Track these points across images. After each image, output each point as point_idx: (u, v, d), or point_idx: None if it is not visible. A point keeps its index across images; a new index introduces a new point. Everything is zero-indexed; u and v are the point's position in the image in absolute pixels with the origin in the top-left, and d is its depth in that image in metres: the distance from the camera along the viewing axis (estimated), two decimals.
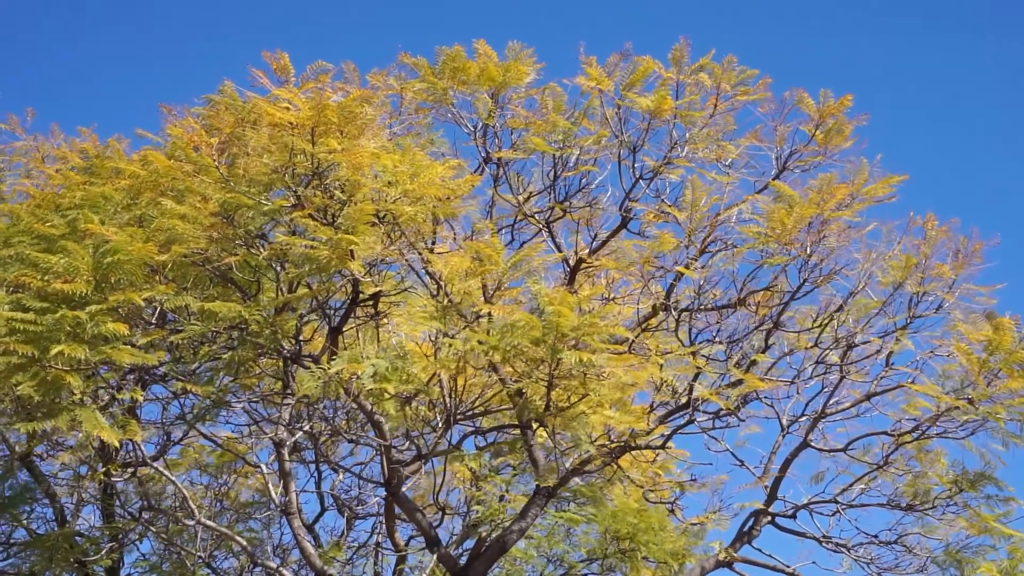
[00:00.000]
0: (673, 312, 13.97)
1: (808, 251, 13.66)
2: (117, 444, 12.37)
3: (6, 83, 44.36)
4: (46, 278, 12.11)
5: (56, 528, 16.67)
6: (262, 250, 12.76)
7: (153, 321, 13.08)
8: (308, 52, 13.05)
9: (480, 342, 11.90)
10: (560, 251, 14.74)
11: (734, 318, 14.25)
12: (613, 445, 13.44)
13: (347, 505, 18.98)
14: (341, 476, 18.98)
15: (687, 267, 13.77)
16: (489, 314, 12.38)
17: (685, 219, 13.87)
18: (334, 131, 12.21)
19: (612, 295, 14.99)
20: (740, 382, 13.45)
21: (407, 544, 18.10)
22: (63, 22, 50.09)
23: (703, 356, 13.70)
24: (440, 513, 16.59)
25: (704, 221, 13.95)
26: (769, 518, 15.48)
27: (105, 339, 11.91)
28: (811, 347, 14.67)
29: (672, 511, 15.14)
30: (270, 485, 16.03)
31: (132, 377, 13.36)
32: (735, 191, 14.41)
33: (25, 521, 17.11)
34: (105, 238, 12.15)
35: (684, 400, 13.67)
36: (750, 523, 15.38)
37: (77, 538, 16.47)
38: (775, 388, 14.72)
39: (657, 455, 15.30)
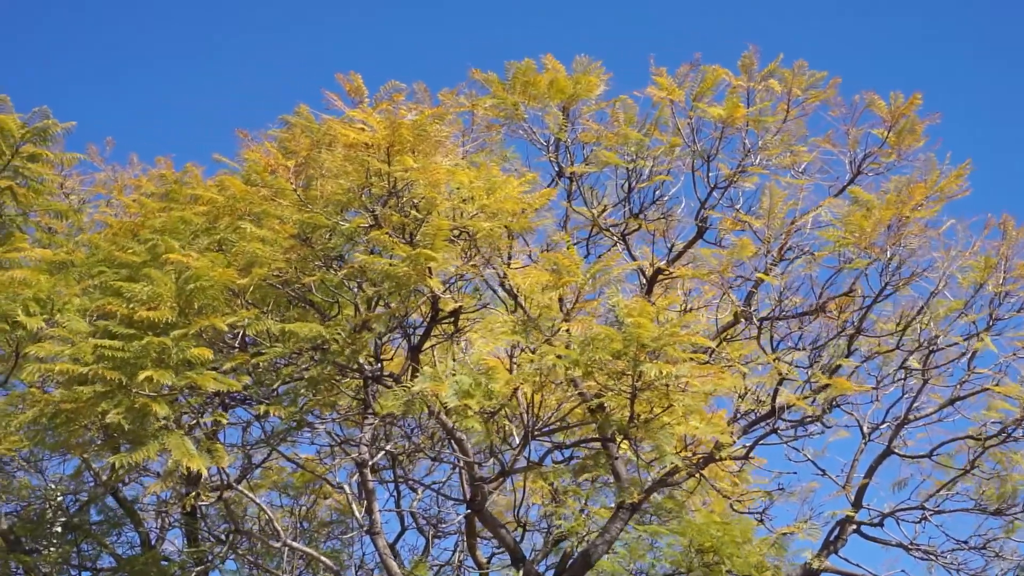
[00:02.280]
0: (754, 320, 13.87)
1: (888, 254, 13.52)
2: (205, 471, 12.45)
3: (85, 115, 45.11)
4: (131, 306, 12.25)
5: (142, 553, 16.79)
6: (340, 270, 12.83)
7: (235, 345, 13.18)
8: (376, 75, 13.13)
9: (560, 357, 11.88)
10: (635, 262, 14.69)
11: (816, 324, 14.13)
12: (696, 457, 13.35)
13: (430, 523, 19.01)
14: (420, 495, 19.00)
15: (766, 274, 13.67)
16: (568, 330, 12.35)
17: (762, 226, 13.77)
18: (408, 150, 12.26)
19: (689, 306, 14.92)
20: (825, 387, 13.32)
21: (489, 561, 18.09)
22: (140, 54, 50.88)
23: (785, 363, 13.58)
24: (521, 529, 16.56)
25: (781, 228, 13.84)
26: (855, 526, 15.33)
27: (189, 364, 12.03)
28: (891, 351, 14.52)
29: (761, 521, 14.99)
30: (352, 505, 16.07)
31: (215, 401, 13.45)
32: (810, 196, 14.32)
33: (112, 546, 17.28)
34: (186, 264, 12.27)
35: (767, 409, 13.55)
36: (836, 532, 15.23)
37: (163, 562, 16.58)
38: (857, 394, 14.60)
39: (742, 465, 15.19)
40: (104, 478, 16.22)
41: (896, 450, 15.21)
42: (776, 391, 13.36)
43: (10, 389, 14.50)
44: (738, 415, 13.78)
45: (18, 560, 15.12)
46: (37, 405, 12.72)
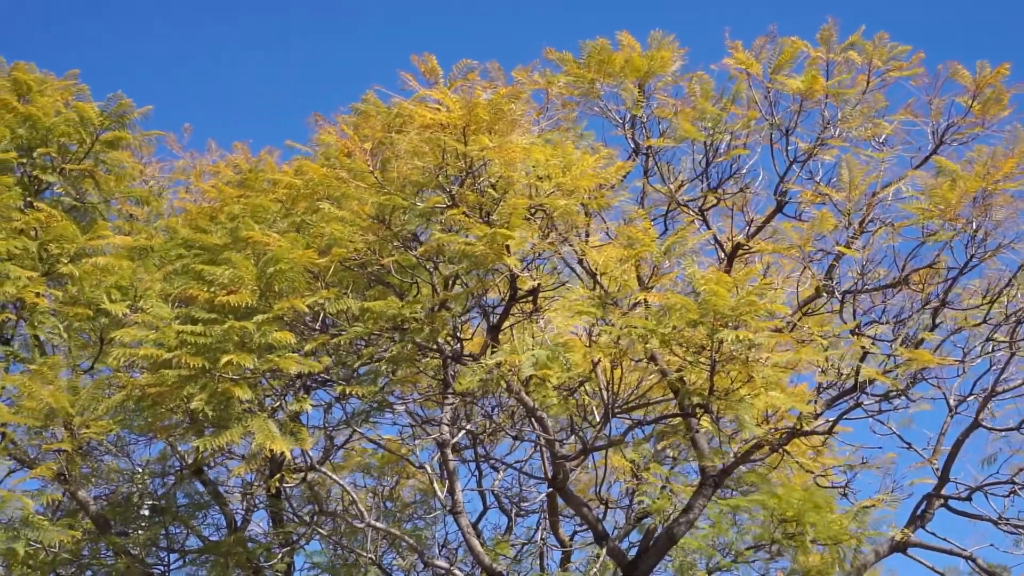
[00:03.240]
0: (836, 293, 13.71)
1: (974, 226, 13.29)
2: (288, 454, 12.57)
3: (161, 102, 45.69)
4: (212, 290, 12.38)
5: (228, 534, 16.99)
6: (417, 250, 12.87)
7: (316, 327, 13.27)
8: (449, 55, 13.14)
9: (636, 327, 11.82)
10: (715, 237, 14.57)
11: (899, 297, 13.93)
12: (779, 432, 13.24)
13: (512, 502, 19.05)
14: (502, 474, 19.04)
15: (847, 247, 13.50)
16: (645, 301, 12.30)
17: (843, 199, 13.59)
18: (484, 129, 12.24)
19: (768, 279, 14.78)
20: (908, 361, 13.13)
21: (571, 539, 18.11)
22: (218, 45, 51.40)
23: (869, 337, 13.40)
24: (603, 507, 16.54)
25: (862, 200, 13.65)
26: (942, 501, 15.14)
27: (271, 347, 12.14)
28: (978, 324, 14.28)
29: (844, 494, 14.86)
30: (434, 484, 16.14)
31: (297, 384, 13.56)
32: (892, 168, 14.11)
33: (198, 528, 17.50)
34: (267, 246, 12.37)
35: (851, 383, 13.39)
36: (923, 507, 15.06)
37: (249, 543, 16.76)
38: (942, 368, 14.38)
39: (825, 440, 15.05)
40: (189, 461, 16.42)
41: (983, 423, 14.97)
42: (859, 365, 13.19)
43: (96, 375, 14.74)
44: (821, 389, 13.63)
45: (109, 542, 15.35)
46: (124, 390, 12.93)
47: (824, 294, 13.98)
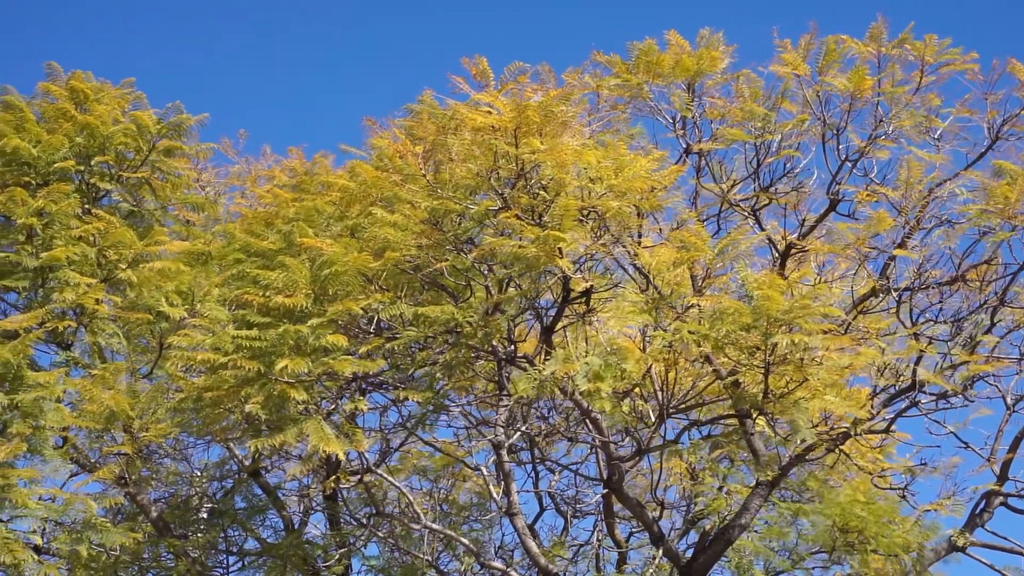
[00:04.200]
0: (893, 292, 13.61)
1: None
2: (343, 456, 12.65)
3: (219, 107, 46.14)
4: (267, 294, 12.50)
5: (286, 537, 17.11)
6: (470, 253, 12.91)
7: (370, 330, 13.35)
8: (498, 59, 13.17)
9: (691, 332, 11.81)
10: (768, 237, 14.52)
11: (956, 296, 13.81)
12: (834, 432, 13.17)
13: (568, 503, 19.06)
14: (558, 475, 19.06)
15: (903, 246, 13.41)
16: (698, 304, 12.28)
17: (899, 198, 13.51)
18: (535, 131, 12.27)
19: (822, 279, 14.70)
20: (965, 363, 13.03)
21: (628, 541, 18.08)
22: (272, 52, 51.84)
23: (925, 336, 13.31)
24: (659, 509, 16.51)
25: (918, 198, 13.56)
26: (1001, 499, 15.00)
27: (326, 351, 12.23)
28: None
29: (904, 497, 14.73)
30: (490, 487, 16.18)
31: (352, 386, 13.65)
32: (946, 165, 14.01)
33: (256, 531, 17.64)
34: (321, 251, 12.46)
35: (907, 383, 13.30)
36: (982, 506, 14.92)
37: (306, 545, 16.87)
38: (1000, 368, 14.25)
39: (883, 439, 14.94)
40: (247, 464, 16.56)
41: None
42: (916, 364, 13.10)
43: (155, 379, 14.92)
44: (877, 389, 13.54)
45: (169, 545, 15.52)
46: (182, 393, 13.08)
47: (880, 293, 13.89)
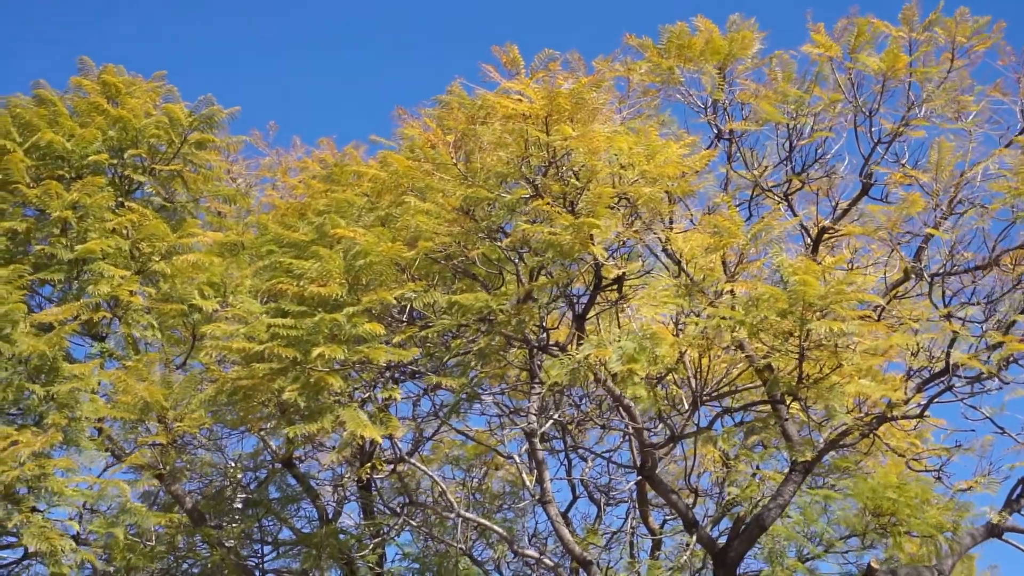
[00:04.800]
0: (925, 276, 13.55)
1: None
2: (379, 441, 12.71)
3: (247, 100, 46.34)
4: (301, 284, 12.56)
5: (320, 527, 17.18)
6: (502, 242, 12.93)
7: (403, 319, 13.40)
8: (526, 49, 13.20)
9: (725, 318, 11.80)
10: (801, 223, 14.47)
11: (990, 279, 13.72)
12: (869, 417, 13.12)
13: (601, 491, 19.06)
14: (591, 463, 19.06)
15: (936, 228, 13.34)
16: (732, 291, 12.27)
17: (930, 180, 13.44)
18: (567, 118, 12.27)
19: (856, 264, 14.65)
20: (1000, 345, 12.94)
21: (662, 528, 18.06)
22: (301, 41, 51.99)
23: (959, 319, 13.24)
24: (693, 496, 16.48)
25: (950, 181, 13.49)
26: None
27: (361, 339, 12.28)
28: None
29: (939, 478, 14.66)
30: (523, 475, 16.20)
31: (386, 375, 13.68)
32: (979, 147, 13.92)
33: (291, 521, 17.71)
34: (354, 240, 12.50)
35: (941, 366, 13.23)
36: (1018, 491, 14.82)
37: (340, 535, 16.94)
38: None
39: (917, 424, 14.87)
40: (280, 454, 16.63)
41: None
42: (950, 348, 13.03)
43: (189, 370, 15.01)
44: (911, 373, 13.48)
45: (204, 534, 15.61)
46: (216, 383, 13.15)
47: (913, 277, 13.83)
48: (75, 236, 14.87)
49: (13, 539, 14.18)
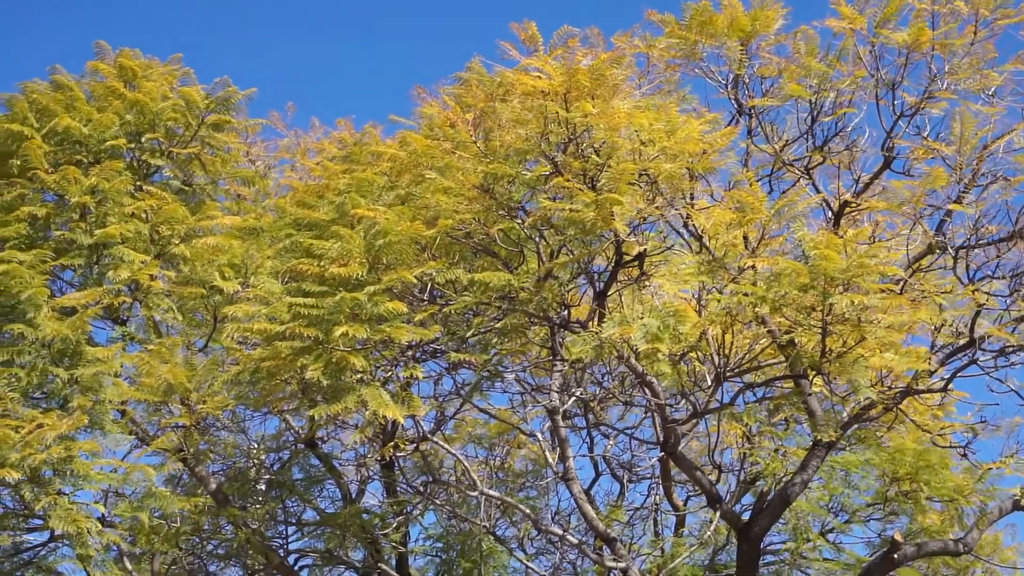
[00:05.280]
0: (949, 249, 13.46)
1: None
2: (402, 420, 12.71)
3: (267, 80, 46.32)
4: (321, 264, 12.55)
5: (343, 506, 17.21)
6: (523, 220, 12.90)
7: (424, 298, 13.39)
8: (546, 24, 13.17)
9: (746, 294, 11.76)
10: (820, 194, 14.40)
11: (1015, 252, 13.62)
12: (892, 391, 13.06)
13: (624, 468, 19.07)
14: (613, 440, 19.05)
15: (959, 202, 13.25)
16: (753, 266, 12.22)
17: (953, 153, 13.34)
18: (586, 95, 12.22)
19: (878, 238, 14.56)
20: None
21: (685, 504, 18.08)
22: (318, 21, 51.94)
23: (984, 292, 13.15)
24: (716, 472, 16.48)
25: (973, 154, 13.38)
26: None
27: (382, 318, 12.27)
28: None
29: (964, 455, 14.61)
30: (546, 453, 16.21)
31: (408, 354, 13.68)
32: (1002, 120, 13.81)
33: (314, 501, 17.76)
34: (374, 220, 12.49)
35: (966, 340, 13.16)
36: None
37: (364, 515, 16.97)
38: None
39: (942, 399, 14.80)
40: (303, 434, 16.65)
41: None
42: (974, 321, 12.96)
43: (210, 352, 15.03)
44: (935, 347, 13.41)
45: (228, 516, 15.64)
46: (238, 364, 13.17)
47: (936, 250, 13.74)
48: (94, 221, 14.88)
49: (40, 522, 14.22)
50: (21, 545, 15.02)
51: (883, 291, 11.86)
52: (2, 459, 12.09)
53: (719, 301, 11.91)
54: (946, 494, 15.09)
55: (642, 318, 11.75)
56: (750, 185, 13.12)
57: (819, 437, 13.16)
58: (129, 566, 15.33)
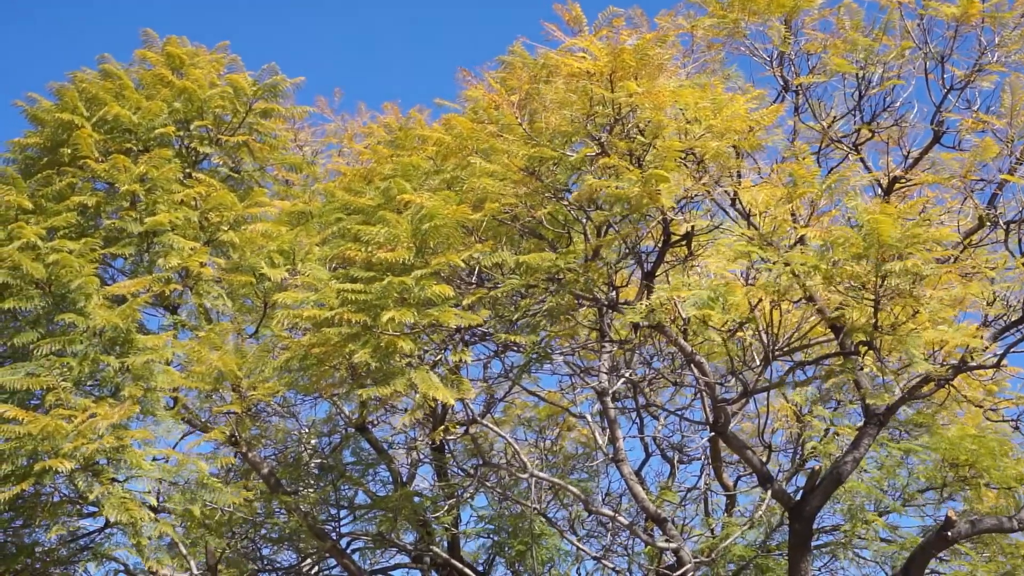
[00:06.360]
0: (1001, 223, 13.30)
1: None
2: (452, 403, 12.72)
3: (313, 66, 46.46)
4: (369, 249, 12.57)
5: (395, 490, 17.28)
6: (569, 201, 12.87)
7: (471, 281, 13.39)
8: (590, 4, 13.05)
9: (801, 264, 11.67)
10: (871, 173, 14.27)
11: None
12: (945, 368, 12.93)
13: (674, 448, 19.03)
14: (663, 421, 19.02)
15: (1011, 174, 13.09)
16: (802, 238, 12.15)
17: (1004, 126, 13.18)
18: (631, 75, 12.17)
19: (928, 212, 14.41)
20: None
21: (736, 484, 18.02)
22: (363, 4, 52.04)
23: None
24: (767, 451, 16.41)
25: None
26: None
27: (430, 302, 12.29)
28: None
29: (1017, 428, 14.47)
30: (596, 434, 16.19)
31: (456, 338, 13.69)
32: None
33: (366, 485, 17.83)
34: (421, 204, 12.50)
35: (1018, 315, 13.02)
36: None
37: (415, 498, 17.03)
38: None
39: (994, 374, 14.66)
40: (354, 419, 16.72)
41: None
42: None
43: (261, 339, 15.10)
44: (988, 322, 13.27)
45: (281, 501, 15.74)
46: (288, 351, 13.22)
47: (988, 224, 13.59)
48: (144, 209, 14.97)
49: (94, 509, 14.34)
50: (77, 532, 15.15)
51: (938, 260, 11.74)
52: (56, 449, 12.18)
53: (770, 270, 11.83)
54: (1006, 482, 14.95)
55: (691, 289, 11.74)
56: (802, 159, 13.02)
57: (871, 403, 13.06)
58: (185, 551, 15.43)
